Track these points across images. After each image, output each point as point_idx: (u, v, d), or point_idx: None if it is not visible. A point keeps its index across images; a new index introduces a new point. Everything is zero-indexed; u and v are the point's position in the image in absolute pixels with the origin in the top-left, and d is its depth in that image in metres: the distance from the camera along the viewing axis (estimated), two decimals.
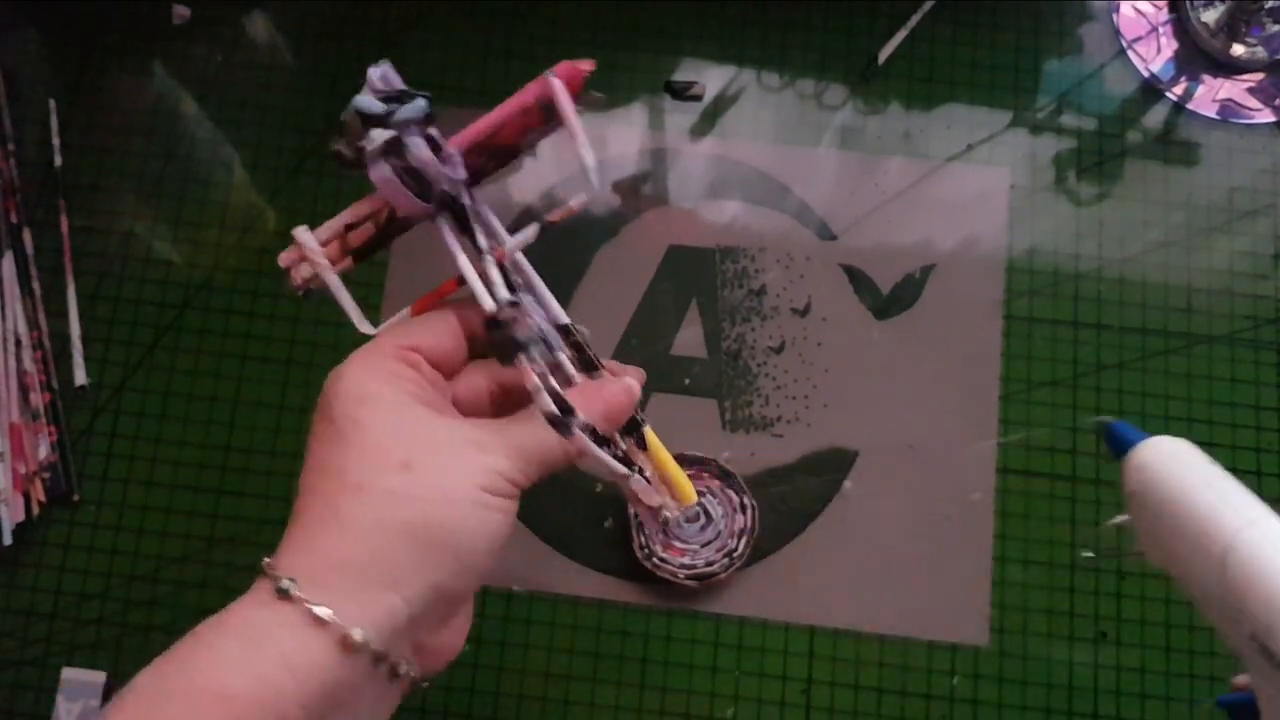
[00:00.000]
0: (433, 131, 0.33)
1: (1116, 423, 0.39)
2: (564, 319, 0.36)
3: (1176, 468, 0.37)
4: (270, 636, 0.29)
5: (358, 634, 0.29)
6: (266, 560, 0.30)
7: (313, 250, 0.35)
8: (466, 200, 0.35)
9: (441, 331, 0.35)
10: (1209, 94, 0.60)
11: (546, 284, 0.38)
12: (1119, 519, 0.41)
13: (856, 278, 0.57)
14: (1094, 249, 0.57)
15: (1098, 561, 0.50)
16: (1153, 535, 0.38)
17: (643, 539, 0.52)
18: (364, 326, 0.35)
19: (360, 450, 0.31)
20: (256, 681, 0.28)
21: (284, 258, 0.35)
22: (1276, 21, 0.60)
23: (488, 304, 0.34)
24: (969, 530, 0.54)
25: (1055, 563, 0.54)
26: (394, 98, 0.34)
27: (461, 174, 0.34)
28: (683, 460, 0.45)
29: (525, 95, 0.34)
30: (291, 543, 0.31)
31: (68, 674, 0.51)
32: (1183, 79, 0.60)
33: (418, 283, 0.56)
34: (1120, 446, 0.39)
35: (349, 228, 0.36)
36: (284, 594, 0.29)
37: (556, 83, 0.33)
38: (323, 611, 0.29)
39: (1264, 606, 0.33)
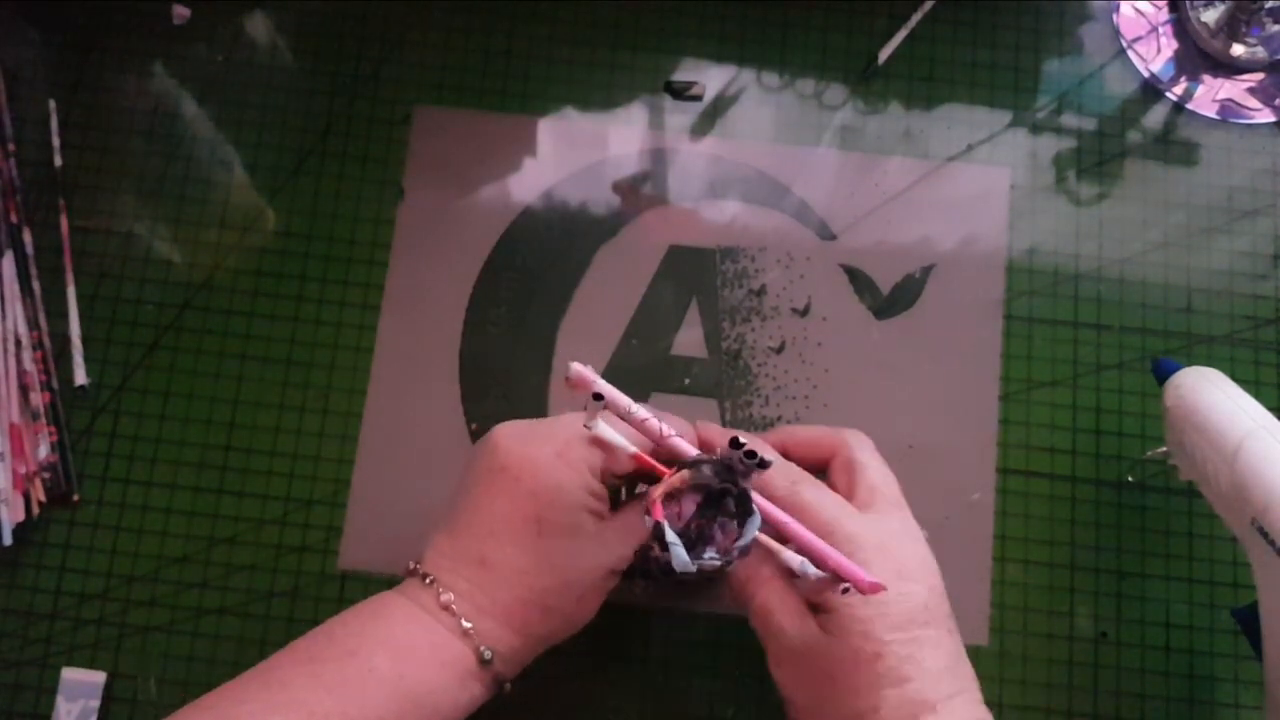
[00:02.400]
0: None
1: (1161, 359, 0.51)
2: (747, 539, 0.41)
3: (1204, 384, 0.47)
4: (443, 639, 0.41)
5: (487, 653, 0.41)
6: (448, 599, 0.42)
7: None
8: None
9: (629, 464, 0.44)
10: (1209, 94, 0.60)
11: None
12: (1157, 451, 0.51)
13: (856, 278, 0.57)
14: (1094, 249, 0.57)
15: (1140, 485, 0.54)
16: (1181, 444, 0.47)
17: None
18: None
19: (560, 565, 0.42)
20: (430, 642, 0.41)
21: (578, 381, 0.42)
22: (1276, 21, 0.60)
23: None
24: (969, 530, 0.54)
25: (1055, 563, 0.54)
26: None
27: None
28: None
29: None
30: (465, 566, 0.42)
31: (67, 674, 0.51)
32: (1183, 79, 0.60)
33: (418, 284, 0.57)
34: (1163, 373, 0.49)
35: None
36: (466, 633, 0.41)
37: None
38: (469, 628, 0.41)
39: (1263, 492, 0.43)
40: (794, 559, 0.41)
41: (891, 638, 0.40)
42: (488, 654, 0.41)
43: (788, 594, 0.43)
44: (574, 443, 0.42)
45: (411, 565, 0.43)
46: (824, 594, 0.41)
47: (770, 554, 0.41)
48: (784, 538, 0.41)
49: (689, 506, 0.41)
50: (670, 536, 0.39)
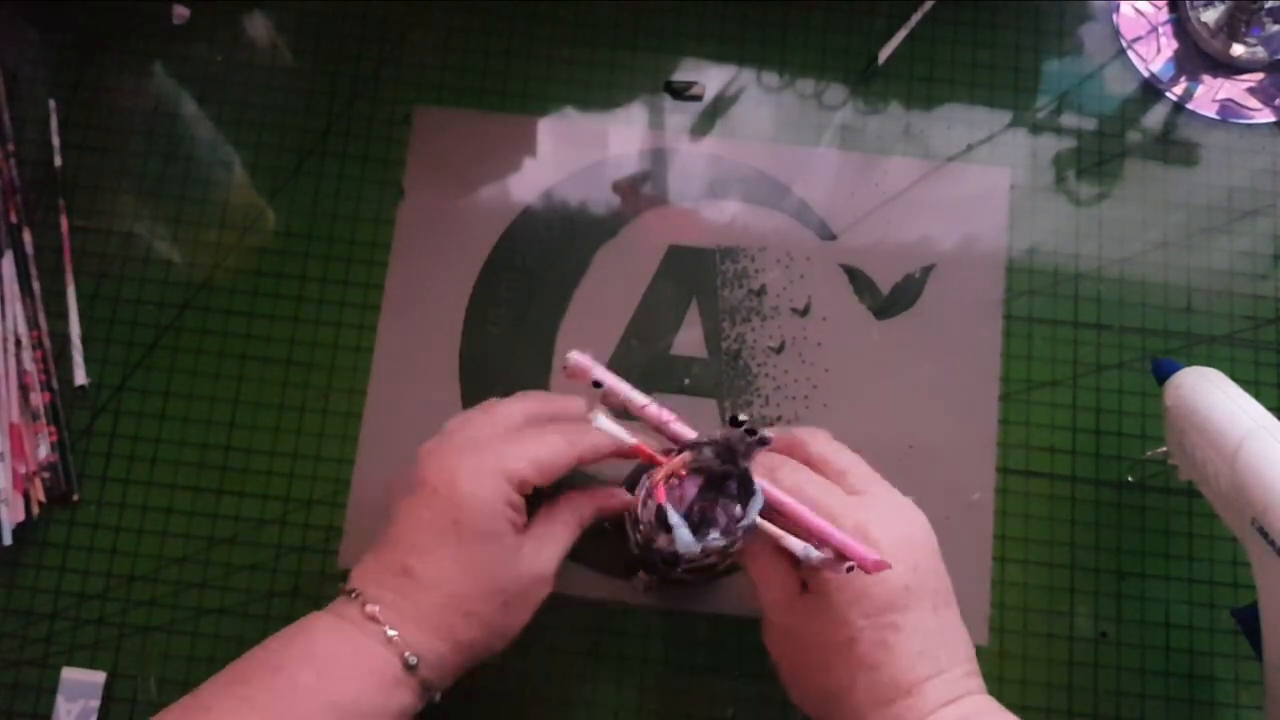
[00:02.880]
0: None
1: (1161, 359, 0.51)
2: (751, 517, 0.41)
3: (1204, 384, 0.47)
4: (365, 648, 0.41)
5: (412, 658, 0.41)
6: (373, 609, 0.42)
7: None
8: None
9: (563, 467, 0.44)
10: (1209, 94, 0.60)
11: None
12: (1157, 451, 0.51)
13: (856, 277, 0.57)
14: (1094, 249, 0.57)
15: (1140, 484, 0.54)
16: (1181, 444, 0.48)
17: (638, 537, 0.52)
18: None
19: (479, 571, 0.42)
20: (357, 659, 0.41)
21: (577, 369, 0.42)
22: (1276, 21, 0.60)
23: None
24: (969, 530, 0.54)
25: (1055, 563, 0.54)
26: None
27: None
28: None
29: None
30: (390, 577, 0.43)
31: (67, 674, 0.51)
32: (1182, 79, 0.60)
33: (418, 284, 0.57)
34: (1163, 373, 0.49)
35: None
36: (390, 640, 0.41)
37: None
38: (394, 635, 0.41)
39: (1263, 492, 0.42)
40: (797, 545, 0.41)
41: (865, 623, 0.41)
42: (412, 659, 0.41)
43: (780, 571, 0.43)
44: (490, 452, 0.43)
45: (341, 586, 0.44)
46: (829, 572, 0.41)
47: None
48: (786, 520, 0.41)
49: (691, 489, 0.40)
50: (674, 518, 0.39)
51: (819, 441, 0.46)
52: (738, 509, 0.40)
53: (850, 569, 0.39)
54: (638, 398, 0.41)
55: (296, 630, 0.42)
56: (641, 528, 0.50)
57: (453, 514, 0.42)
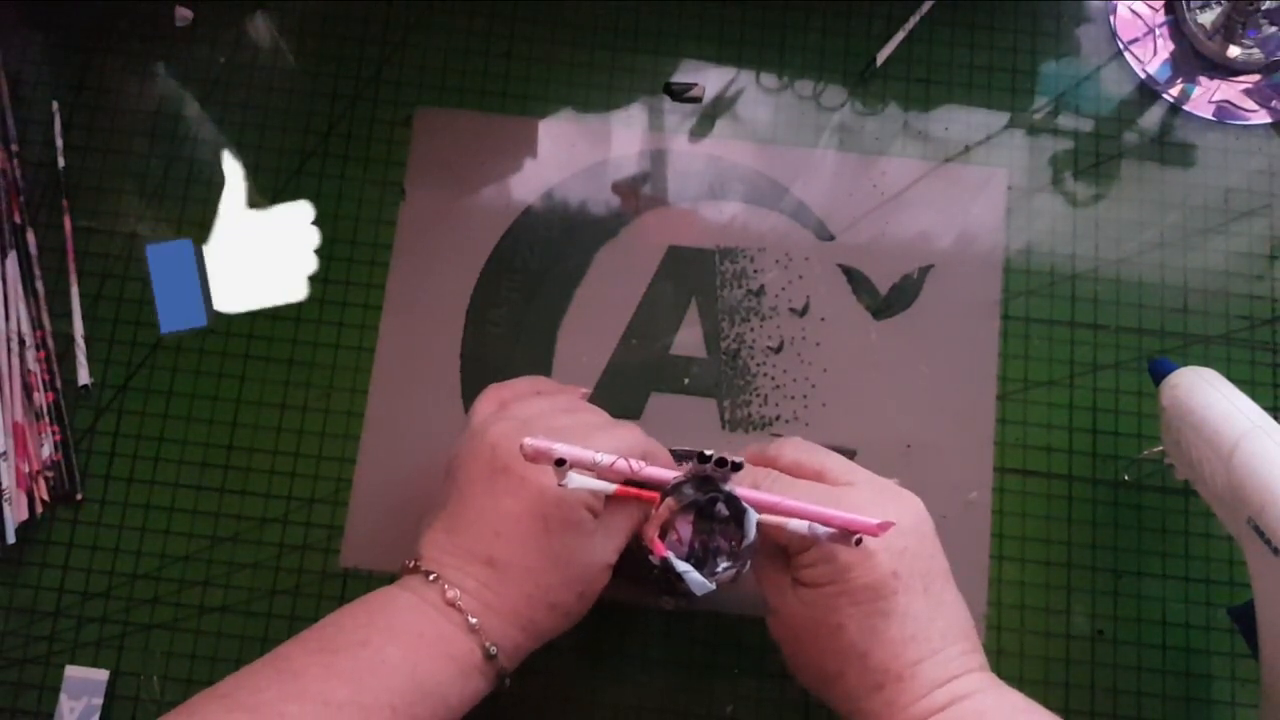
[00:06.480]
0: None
1: (1157, 359, 0.51)
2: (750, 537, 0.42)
3: (1200, 384, 0.47)
4: (445, 633, 0.42)
5: (492, 649, 0.42)
6: (453, 595, 0.42)
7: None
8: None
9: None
10: (1205, 95, 0.60)
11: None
12: (1153, 450, 0.52)
13: (855, 278, 0.57)
14: (1091, 249, 0.58)
15: (1136, 483, 0.55)
16: (1177, 444, 0.48)
17: (655, 573, 0.51)
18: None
19: (566, 561, 0.42)
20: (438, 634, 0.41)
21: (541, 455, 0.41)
22: (1272, 23, 0.60)
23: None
24: (966, 529, 0.54)
25: (1052, 561, 0.54)
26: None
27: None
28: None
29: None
30: (472, 564, 0.42)
31: (71, 672, 0.52)
32: (1179, 80, 0.60)
33: (419, 284, 0.57)
34: (1159, 373, 0.50)
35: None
36: (473, 628, 0.42)
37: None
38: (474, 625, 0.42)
39: (1259, 491, 0.43)
40: (801, 525, 0.41)
41: (854, 610, 0.42)
42: (493, 649, 0.42)
43: (772, 569, 0.44)
44: (575, 441, 0.42)
45: (410, 563, 0.43)
46: (840, 549, 0.42)
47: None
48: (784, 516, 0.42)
49: (685, 529, 0.41)
50: (681, 566, 0.40)
51: (790, 450, 0.47)
52: (735, 529, 0.41)
53: (858, 541, 0.40)
54: (603, 458, 0.40)
55: (376, 605, 0.42)
56: (655, 572, 0.50)
57: (542, 505, 0.42)
